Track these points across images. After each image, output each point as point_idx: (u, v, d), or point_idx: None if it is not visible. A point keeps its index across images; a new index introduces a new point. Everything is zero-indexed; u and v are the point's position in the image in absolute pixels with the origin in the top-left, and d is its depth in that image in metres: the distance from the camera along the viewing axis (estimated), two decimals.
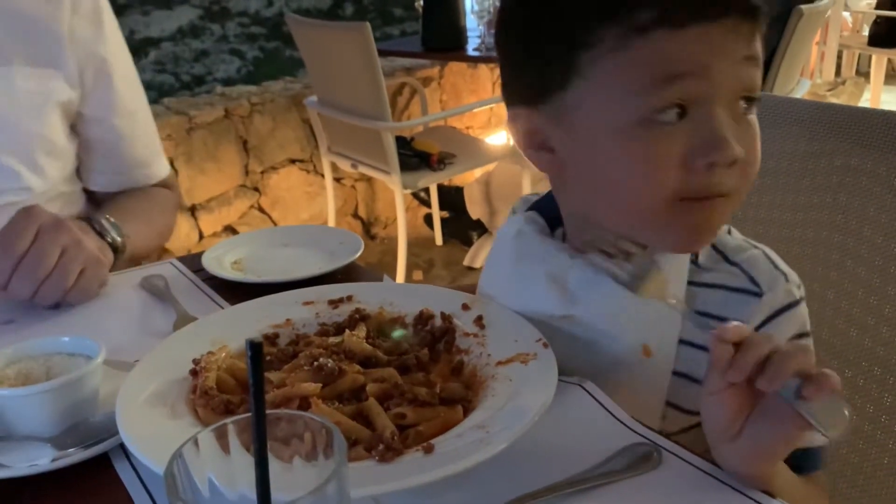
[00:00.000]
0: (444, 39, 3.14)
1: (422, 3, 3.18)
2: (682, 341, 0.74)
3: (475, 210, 3.37)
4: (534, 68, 0.73)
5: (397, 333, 0.81)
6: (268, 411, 0.44)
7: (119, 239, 1.08)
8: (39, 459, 0.64)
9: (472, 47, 3.17)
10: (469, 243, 3.43)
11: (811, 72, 4.94)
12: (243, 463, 0.47)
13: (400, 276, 2.95)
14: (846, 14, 5.33)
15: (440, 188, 3.48)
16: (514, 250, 0.84)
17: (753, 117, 0.69)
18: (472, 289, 0.90)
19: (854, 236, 1.04)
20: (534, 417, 0.61)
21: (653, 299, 0.70)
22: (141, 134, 1.29)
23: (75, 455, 0.65)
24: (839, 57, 5.10)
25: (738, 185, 0.68)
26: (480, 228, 3.42)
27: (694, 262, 0.76)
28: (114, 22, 1.26)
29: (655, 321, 0.73)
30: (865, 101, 4.94)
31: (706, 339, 0.61)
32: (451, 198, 3.50)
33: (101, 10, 1.22)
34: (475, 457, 0.57)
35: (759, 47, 0.68)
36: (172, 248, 2.99)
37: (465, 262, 3.35)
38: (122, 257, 1.09)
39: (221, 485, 0.48)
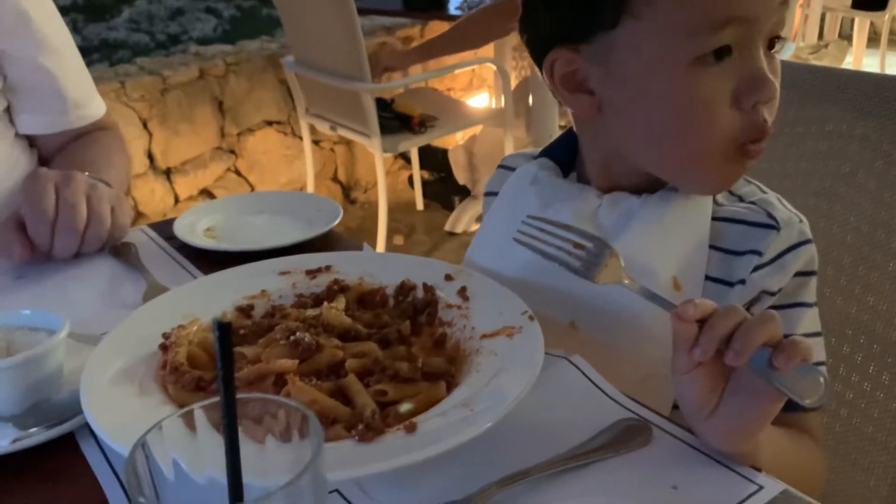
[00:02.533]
0: None
1: None
2: (707, 277, 0.74)
3: (460, 175, 3.32)
4: (581, 6, 0.73)
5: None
6: (239, 395, 0.41)
7: (107, 186, 1.04)
8: (1, 438, 0.61)
9: (454, 6, 3.11)
10: (451, 208, 3.39)
11: (794, 34, 4.91)
12: (212, 444, 0.44)
13: (380, 241, 2.92)
14: None
15: (425, 149, 3.43)
16: (537, 196, 0.82)
17: (777, 57, 0.72)
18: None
19: (842, 202, 1.02)
20: (519, 396, 0.59)
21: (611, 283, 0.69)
22: (70, 72, 1.24)
23: (38, 435, 0.62)
24: (822, 20, 5.07)
25: (773, 121, 0.71)
26: (463, 193, 3.38)
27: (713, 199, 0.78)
28: None
29: (684, 254, 0.74)
30: (848, 64, 4.92)
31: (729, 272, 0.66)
32: (437, 160, 3.45)
33: None
34: (459, 436, 0.55)
35: None
36: (147, 211, 2.93)
37: (447, 227, 3.32)
38: None
39: (188, 468, 0.45)
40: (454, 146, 3.33)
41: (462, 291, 0.77)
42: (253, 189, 3.25)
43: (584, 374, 0.69)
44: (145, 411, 0.60)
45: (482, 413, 0.58)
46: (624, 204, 0.78)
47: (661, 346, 0.73)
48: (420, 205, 3.54)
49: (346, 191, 3.61)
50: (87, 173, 1.02)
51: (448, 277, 0.79)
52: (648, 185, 0.78)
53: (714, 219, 0.76)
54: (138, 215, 2.90)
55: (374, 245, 2.90)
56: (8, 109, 1.19)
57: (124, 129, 1.36)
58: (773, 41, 0.70)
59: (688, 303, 0.58)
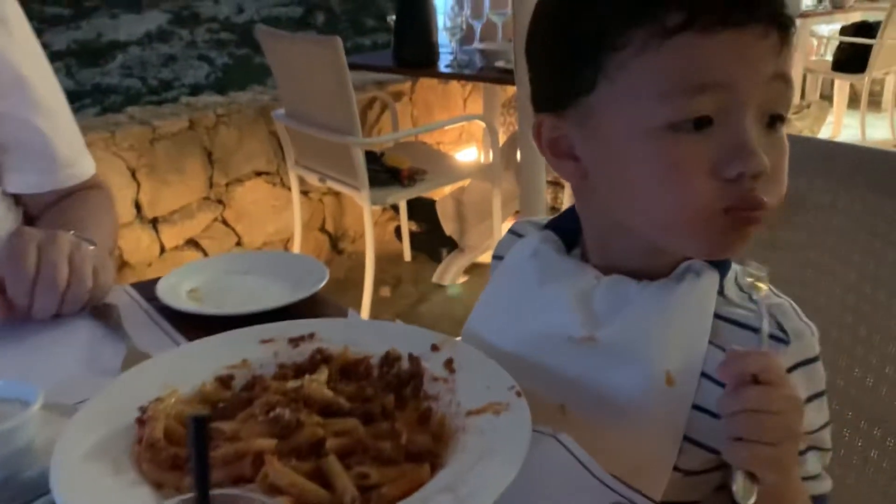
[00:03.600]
0: (416, 55, 3.11)
1: (394, 18, 3.14)
2: (703, 374, 0.72)
3: (448, 226, 3.33)
4: (560, 71, 0.73)
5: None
6: (214, 492, 0.40)
7: (91, 247, 1.02)
8: None
9: (443, 63, 3.15)
10: (439, 259, 3.38)
11: None
12: None
13: (367, 292, 2.90)
14: (812, 39, 5.41)
15: (413, 200, 3.44)
16: (536, 271, 0.82)
17: (782, 135, 0.70)
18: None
19: (830, 274, 1.01)
20: (505, 482, 0.57)
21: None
22: (62, 132, 1.24)
23: None
24: (803, 81, 5.17)
25: (768, 200, 0.68)
26: (451, 245, 3.38)
27: (720, 292, 0.76)
28: (24, 25, 1.21)
29: (681, 348, 0.72)
30: (829, 125, 5.01)
31: None
32: (424, 210, 3.46)
33: (8, 17, 1.17)
34: None
35: (789, 65, 0.68)
36: (132, 260, 2.91)
37: (434, 279, 3.31)
38: None
39: None
40: (442, 197, 3.35)
41: (448, 363, 0.75)
42: (240, 239, 3.23)
43: (572, 453, 0.67)
44: (118, 492, 0.58)
45: (466, 500, 0.56)
46: (621, 288, 0.76)
47: (654, 436, 0.72)
48: (408, 256, 3.53)
49: (334, 241, 3.61)
50: (72, 232, 1.01)
51: (434, 348, 0.78)
52: (648, 269, 0.76)
53: (718, 317, 0.74)
54: (123, 264, 2.87)
55: (360, 296, 2.89)
56: None
57: (112, 179, 1.36)
58: (773, 119, 0.68)
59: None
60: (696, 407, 0.73)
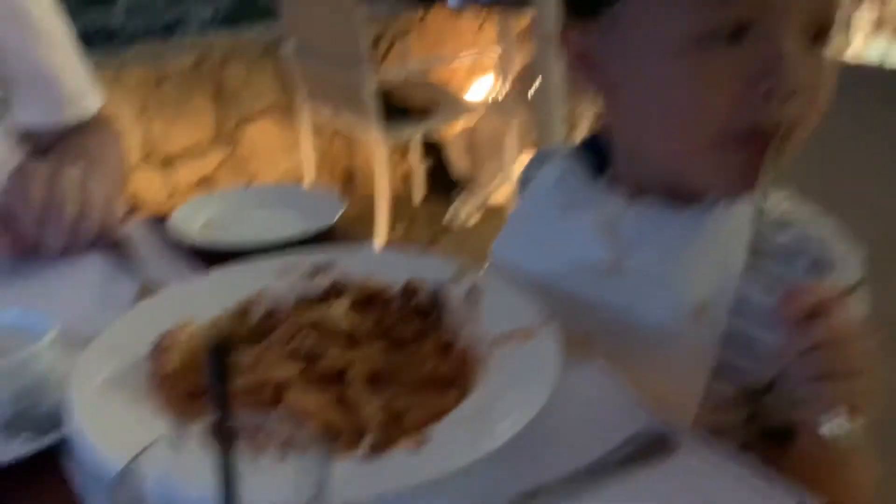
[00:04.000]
0: None
1: None
2: (735, 306, 0.69)
3: (459, 165, 3.28)
4: None
5: None
6: (236, 420, 0.37)
7: (100, 180, 0.99)
8: None
9: None
10: (451, 200, 3.35)
11: None
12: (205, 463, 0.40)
13: (380, 233, 2.87)
14: None
15: (423, 140, 3.39)
16: (558, 198, 0.78)
17: (828, 52, 0.65)
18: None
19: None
20: (536, 407, 0.55)
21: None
22: (67, 66, 1.20)
23: (22, 448, 0.58)
24: None
25: (798, 121, 0.63)
26: (463, 185, 3.34)
27: (757, 219, 0.71)
28: None
29: (713, 278, 0.69)
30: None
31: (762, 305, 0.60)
32: (433, 152, 3.41)
33: None
34: (472, 452, 0.51)
35: None
36: (142, 202, 2.88)
37: (446, 221, 3.28)
38: None
39: (179, 491, 0.41)
40: (452, 135, 3.29)
41: (472, 292, 0.73)
42: (251, 179, 3.20)
43: (604, 379, 0.65)
44: (137, 424, 0.56)
45: (496, 425, 0.54)
46: (652, 214, 0.73)
47: (683, 368, 0.70)
48: (419, 197, 3.50)
49: (345, 181, 3.57)
50: (79, 165, 0.98)
51: (456, 276, 0.75)
52: (682, 193, 0.72)
53: (753, 245, 0.70)
54: (134, 207, 2.85)
55: (373, 237, 2.86)
56: (1, 103, 1.14)
57: (120, 117, 1.32)
58: (818, 32, 0.63)
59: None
60: (725, 339, 0.70)
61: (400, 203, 3.42)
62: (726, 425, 0.73)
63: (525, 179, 0.90)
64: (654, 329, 0.71)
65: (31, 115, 1.17)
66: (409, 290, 0.75)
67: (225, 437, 0.37)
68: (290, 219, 1.03)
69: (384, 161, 2.75)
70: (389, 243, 3.00)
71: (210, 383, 0.36)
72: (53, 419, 0.60)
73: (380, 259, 0.81)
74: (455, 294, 0.73)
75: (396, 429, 0.55)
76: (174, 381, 0.60)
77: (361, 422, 0.56)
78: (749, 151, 0.64)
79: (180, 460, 0.39)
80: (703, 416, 0.70)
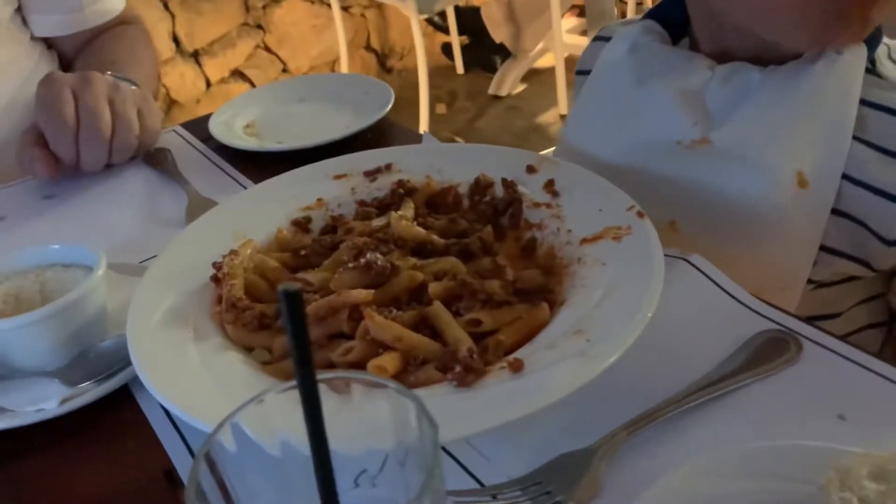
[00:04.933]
0: None
1: None
2: (846, 176, 0.61)
3: (497, 32, 3.11)
4: None
5: None
6: (321, 376, 0.32)
7: (132, 87, 0.93)
8: (47, 401, 0.53)
9: None
10: (493, 69, 3.20)
11: None
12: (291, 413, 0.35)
13: (423, 111, 2.77)
14: None
15: (457, 11, 3.21)
16: (633, 69, 0.70)
17: None
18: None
19: None
20: (641, 319, 0.48)
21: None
22: None
23: (88, 393, 0.54)
24: None
25: None
26: (504, 52, 3.18)
27: (870, 70, 0.63)
28: None
29: (817, 143, 0.61)
30: None
31: (879, 176, 0.52)
32: (469, 21, 3.23)
33: None
34: (578, 376, 0.45)
35: None
36: (179, 98, 2.81)
37: (491, 91, 3.15)
38: None
39: (269, 452, 0.37)
40: (486, 1, 3.10)
41: (549, 185, 0.65)
42: (285, 65, 3.09)
43: (708, 277, 0.58)
44: (205, 360, 0.52)
45: (600, 343, 0.48)
46: (740, 78, 0.64)
47: (785, 248, 0.62)
48: (460, 69, 3.35)
49: (381, 59, 3.43)
50: (108, 73, 0.91)
51: (530, 169, 0.68)
52: (774, 51, 0.63)
53: (866, 103, 0.61)
54: (171, 103, 2.79)
55: (416, 115, 2.76)
56: (20, 10, 1.06)
57: (144, 13, 1.23)
58: None
59: None
60: (835, 212, 0.62)
61: (440, 76, 3.28)
62: (835, 307, 0.67)
63: (585, 62, 0.80)
64: (748, 208, 0.63)
65: (50, 22, 1.09)
66: (479, 187, 0.68)
67: (309, 391, 0.32)
68: (337, 113, 0.95)
69: (420, 34, 2.60)
70: (434, 118, 2.90)
71: (288, 336, 0.31)
72: (116, 358, 0.57)
73: (442, 154, 0.73)
74: (531, 189, 0.66)
75: (488, 351, 0.50)
76: (239, 310, 0.55)
77: (450, 346, 0.50)
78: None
79: (265, 414, 0.34)
80: (807, 300, 0.64)
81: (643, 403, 0.48)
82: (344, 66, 3.01)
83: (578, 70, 0.83)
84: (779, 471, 0.40)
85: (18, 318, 0.54)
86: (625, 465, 0.45)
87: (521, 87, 3.16)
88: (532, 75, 3.17)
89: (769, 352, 0.52)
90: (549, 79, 2.95)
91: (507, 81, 3.12)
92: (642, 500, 0.40)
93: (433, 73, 2.97)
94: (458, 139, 2.74)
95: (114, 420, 0.55)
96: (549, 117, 2.94)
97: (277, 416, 0.35)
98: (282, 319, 0.30)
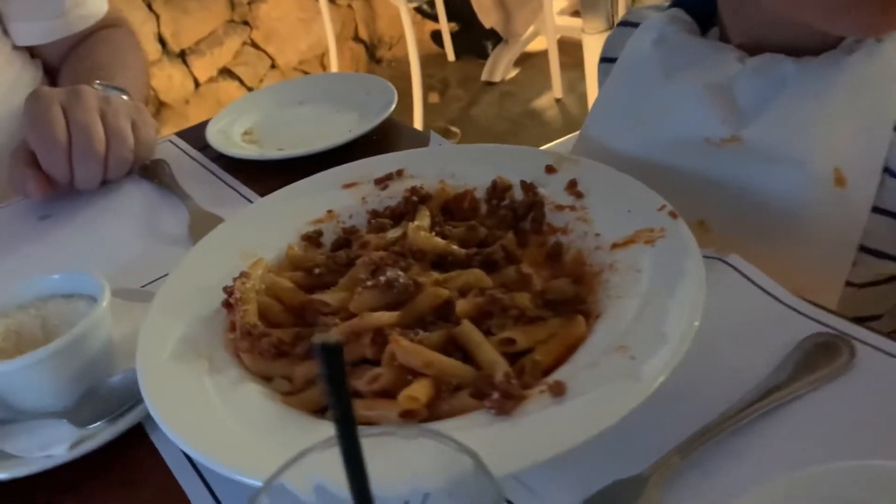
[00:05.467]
0: None
1: None
2: (888, 170, 0.58)
3: (487, 17, 3.06)
4: None
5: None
6: (364, 432, 0.29)
7: (122, 96, 0.89)
8: (56, 445, 0.50)
9: None
10: (484, 56, 3.15)
11: None
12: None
13: (417, 100, 2.73)
14: None
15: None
16: (659, 62, 0.66)
17: None
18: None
19: None
20: (690, 331, 0.45)
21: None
22: None
23: (99, 436, 0.51)
24: None
25: None
26: (495, 37, 3.13)
27: None
28: None
29: (855, 138, 0.58)
30: None
31: None
32: (458, 7, 3.18)
33: None
34: (626, 399, 0.42)
35: None
36: (168, 100, 2.77)
37: (483, 78, 3.10)
38: None
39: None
40: None
41: (572, 186, 0.62)
42: (273, 61, 3.04)
43: (748, 278, 0.55)
44: (222, 395, 0.49)
45: (646, 360, 0.45)
46: (773, 70, 0.60)
47: (821, 249, 0.59)
48: (451, 56, 3.30)
49: (370, 50, 3.38)
50: (97, 82, 0.87)
51: (550, 169, 0.64)
52: (809, 41, 0.60)
53: None
54: (160, 105, 2.74)
55: (409, 105, 2.72)
56: (0, 20, 1.02)
57: (129, 14, 1.18)
58: None
59: None
60: (876, 210, 0.59)
61: (431, 64, 3.23)
62: (877, 308, 0.64)
63: (610, 49, 0.77)
64: (781, 207, 0.60)
65: (32, 29, 1.05)
66: (497, 191, 0.65)
67: (351, 449, 0.29)
68: (338, 115, 0.92)
69: (409, 22, 2.56)
70: (428, 108, 2.86)
71: (326, 390, 0.27)
72: (127, 394, 0.53)
73: (455, 156, 0.70)
74: (552, 190, 0.63)
75: (524, 372, 0.47)
76: (255, 338, 0.52)
77: (484, 370, 0.47)
78: None
79: (304, 468, 0.31)
80: (846, 302, 0.61)
81: (693, 421, 0.45)
82: (333, 59, 2.96)
83: (603, 57, 0.80)
84: (854, 496, 0.37)
85: (21, 359, 0.51)
86: (682, 492, 0.42)
87: (514, 73, 3.12)
88: (525, 59, 3.13)
89: (821, 357, 0.49)
90: (543, 62, 2.91)
91: (500, 67, 3.08)
92: None
93: (424, 62, 2.93)
94: (453, 129, 2.70)
95: (128, 463, 0.52)
96: (544, 102, 2.91)
97: (315, 466, 0.32)
98: (320, 374, 0.27)
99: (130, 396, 0.53)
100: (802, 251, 0.60)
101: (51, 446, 0.50)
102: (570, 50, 2.88)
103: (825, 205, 0.59)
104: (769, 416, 0.45)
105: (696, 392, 0.47)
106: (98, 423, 0.52)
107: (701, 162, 0.64)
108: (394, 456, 0.32)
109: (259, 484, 0.41)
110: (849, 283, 0.61)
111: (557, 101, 2.88)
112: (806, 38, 0.60)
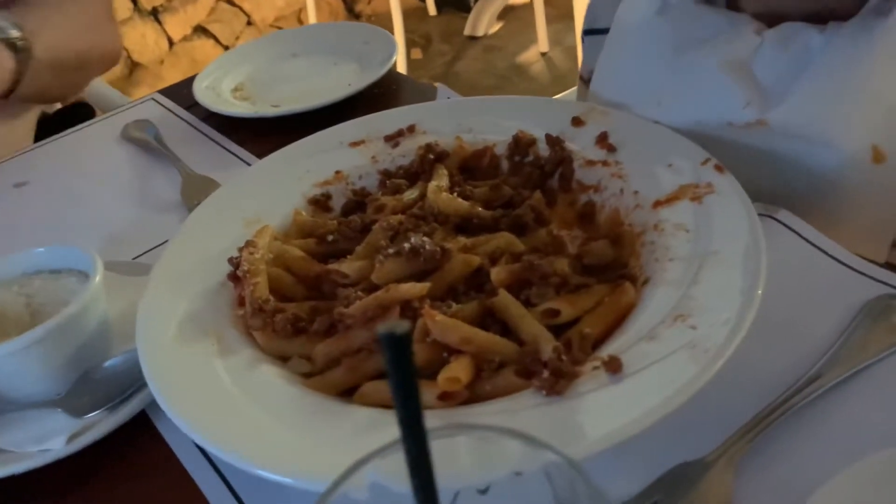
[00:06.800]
0: None
1: None
2: None
3: None
4: None
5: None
6: (433, 429, 0.24)
7: (15, 32, 0.78)
8: (52, 438, 0.45)
9: None
10: (467, 9, 3.06)
11: None
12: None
13: (400, 56, 2.64)
14: None
15: None
16: (666, 34, 0.60)
17: None
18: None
19: None
20: (755, 295, 0.41)
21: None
22: None
23: (99, 425, 0.46)
24: None
25: None
26: None
27: None
28: None
29: (893, 110, 0.52)
30: None
31: None
32: None
33: None
34: (692, 375, 0.38)
35: None
36: (143, 60, 2.66)
37: (466, 32, 3.01)
38: (35, 62, 0.80)
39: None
40: None
41: (603, 140, 0.57)
42: (249, 17, 2.93)
43: (802, 237, 0.51)
44: (236, 382, 0.44)
45: (710, 330, 0.40)
46: (796, 42, 0.54)
47: (858, 231, 0.54)
48: (432, 9, 3.21)
49: (349, 4, 3.27)
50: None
51: (577, 121, 0.59)
52: (832, 6, 0.54)
53: None
54: (133, 66, 2.63)
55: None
56: None
57: None
58: None
59: None
60: None
61: (412, 18, 3.14)
62: None
63: (593, 19, 0.70)
64: (814, 188, 0.55)
65: None
66: (520, 146, 0.60)
67: (419, 457, 0.24)
68: (334, 68, 0.86)
69: None
70: (410, 64, 2.78)
71: (392, 384, 0.23)
72: (127, 378, 0.48)
73: (471, 110, 0.64)
74: (580, 144, 0.58)
75: (572, 347, 0.42)
76: (268, 314, 0.47)
77: (528, 345, 0.43)
78: None
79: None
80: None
81: (759, 393, 0.41)
82: (311, 14, 2.85)
83: (587, 29, 0.73)
84: None
85: (7, 345, 0.45)
86: (754, 474, 0.38)
87: (497, 26, 3.04)
88: (508, 12, 3.04)
89: (891, 321, 0.45)
90: (527, 14, 2.83)
91: (483, 20, 2.99)
92: None
93: (405, 17, 2.83)
94: (437, 85, 2.62)
95: (132, 454, 0.47)
96: (530, 56, 2.83)
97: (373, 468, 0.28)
98: (386, 366, 0.23)
99: (131, 381, 0.48)
100: (837, 232, 0.55)
101: (47, 439, 0.45)
102: (556, 1, 2.80)
103: (863, 184, 0.54)
104: (842, 386, 0.41)
105: (759, 362, 0.43)
106: (97, 412, 0.47)
107: (725, 144, 0.57)
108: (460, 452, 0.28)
109: (283, 480, 0.37)
110: (888, 264, 0.57)
111: (543, 54, 2.80)
112: (831, 5, 0.54)
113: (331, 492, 0.25)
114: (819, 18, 0.55)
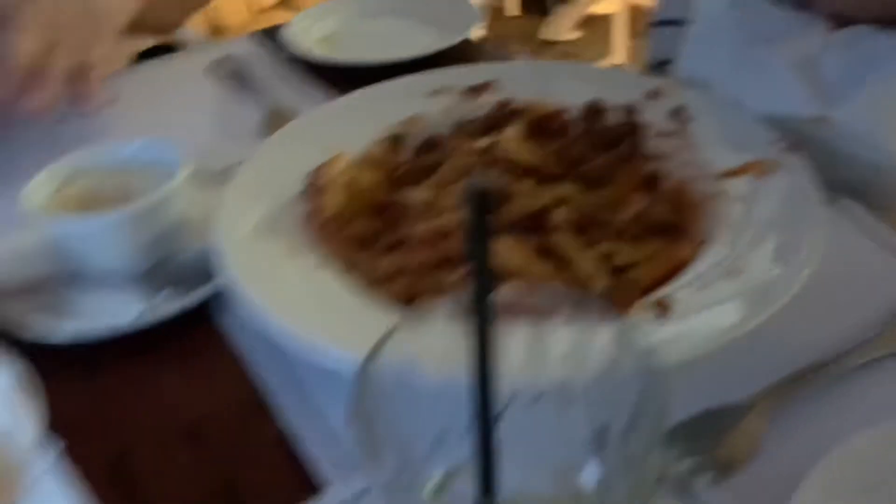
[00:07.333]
0: None
1: None
2: None
3: None
4: None
5: None
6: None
7: None
8: (123, 309, 0.49)
9: None
10: (546, 12, 3.08)
11: None
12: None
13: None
14: None
15: None
16: (738, 27, 0.62)
17: None
18: None
19: None
20: (810, 258, 0.42)
21: None
22: None
23: (170, 304, 0.49)
24: None
25: None
26: None
27: None
28: None
29: None
30: None
31: None
32: None
33: None
34: (741, 321, 0.39)
35: None
36: (226, 24, 2.73)
37: (543, 35, 3.03)
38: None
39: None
40: None
41: (677, 113, 0.59)
42: None
43: (861, 225, 0.52)
44: (303, 279, 0.47)
45: (760, 285, 0.42)
46: (864, 45, 0.55)
47: None
48: (513, 10, 3.23)
49: None
50: None
51: (653, 95, 0.61)
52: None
53: None
54: (215, 29, 2.71)
55: None
56: None
57: None
58: None
59: None
60: None
61: (491, 18, 3.17)
62: None
63: (662, 23, 0.72)
64: (875, 195, 0.55)
65: None
66: (593, 112, 0.61)
67: (484, 310, 0.26)
68: (419, 30, 0.88)
69: None
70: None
71: (468, 242, 0.25)
72: (198, 270, 0.51)
73: (551, 73, 0.66)
74: (654, 116, 0.59)
75: (624, 288, 0.44)
76: (339, 226, 0.50)
77: (579, 279, 0.44)
78: None
79: (419, 341, 0.29)
80: None
81: (805, 354, 0.42)
82: None
83: (655, 21, 0.74)
84: None
85: (100, 218, 0.49)
86: (787, 425, 0.39)
87: (576, 34, 3.05)
88: (589, 22, 3.05)
89: None
90: (607, 26, 2.84)
91: (562, 26, 3.00)
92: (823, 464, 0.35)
93: (482, 13, 2.86)
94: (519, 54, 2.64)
95: (195, 338, 0.50)
96: (602, 66, 2.84)
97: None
98: (466, 221, 0.25)
99: (200, 275, 0.51)
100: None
101: (118, 311, 0.49)
102: (640, 18, 2.80)
103: None
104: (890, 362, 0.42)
105: (803, 331, 0.44)
106: (166, 292, 0.50)
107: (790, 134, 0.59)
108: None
109: (349, 358, 0.39)
110: None
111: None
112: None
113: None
114: (888, 20, 0.56)
